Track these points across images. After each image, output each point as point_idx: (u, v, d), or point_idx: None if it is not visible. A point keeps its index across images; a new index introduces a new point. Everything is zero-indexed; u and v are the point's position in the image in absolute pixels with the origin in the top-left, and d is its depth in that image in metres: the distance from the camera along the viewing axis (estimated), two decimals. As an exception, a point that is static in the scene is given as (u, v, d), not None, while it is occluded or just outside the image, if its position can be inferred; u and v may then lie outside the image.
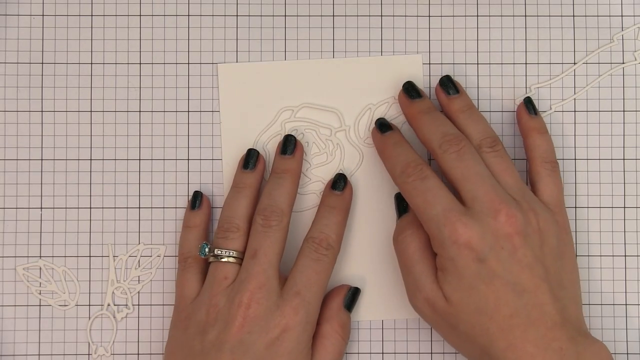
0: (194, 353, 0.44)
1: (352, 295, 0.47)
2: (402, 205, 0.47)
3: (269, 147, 0.49)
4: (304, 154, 0.49)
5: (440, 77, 0.48)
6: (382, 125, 0.47)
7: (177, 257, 0.49)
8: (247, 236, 0.46)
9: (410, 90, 0.47)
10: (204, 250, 0.46)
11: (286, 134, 0.48)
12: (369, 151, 0.49)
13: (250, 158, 0.48)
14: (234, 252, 0.46)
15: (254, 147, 0.49)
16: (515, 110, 0.48)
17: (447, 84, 0.47)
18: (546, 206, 0.45)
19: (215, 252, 0.46)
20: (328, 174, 0.49)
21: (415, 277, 0.44)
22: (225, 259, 0.45)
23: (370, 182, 0.49)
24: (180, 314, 0.46)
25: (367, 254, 0.49)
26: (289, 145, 0.48)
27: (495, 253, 0.42)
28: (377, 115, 0.49)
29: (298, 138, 0.49)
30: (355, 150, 0.49)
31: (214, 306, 0.44)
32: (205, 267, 0.47)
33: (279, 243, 0.45)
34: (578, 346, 0.41)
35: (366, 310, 0.49)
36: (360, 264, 0.49)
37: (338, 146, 0.49)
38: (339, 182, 0.48)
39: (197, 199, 0.48)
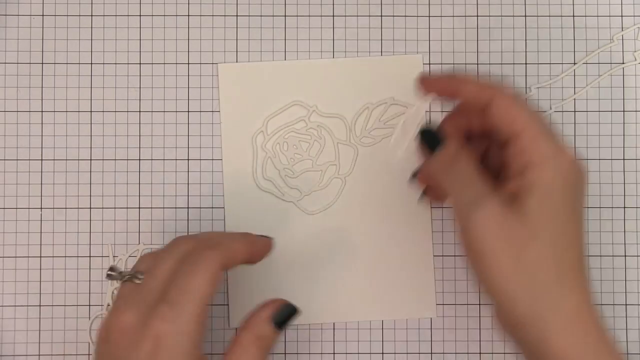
0: None
1: (287, 312, 0.42)
2: (432, 136, 0.43)
3: (267, 146, 0.49)
4: None
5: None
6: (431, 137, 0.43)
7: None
8: None
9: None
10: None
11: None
12: (365, 150, 0.49)
13: None
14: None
15: (256, 139, 0.49)
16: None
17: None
18: None
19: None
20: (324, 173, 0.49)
21: (478, 186, 0.40)
22: None
23: (366, 180, 0.49)
24: None
25: (366, 253, 0.49)
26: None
27: (579, 196, 0.40)
28: (375, 115, 0.49)
29: (293, 142, 0.49)
30: (351, 149, 0.49)
31: None
32: None
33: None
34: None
35: (366, 310, 0.49)
36: (359, 264, 0.49)
37: (331, 143, 0.49)
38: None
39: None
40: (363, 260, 0.49)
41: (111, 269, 0.42)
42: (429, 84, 0.43)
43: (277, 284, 0.47)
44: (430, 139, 0.43)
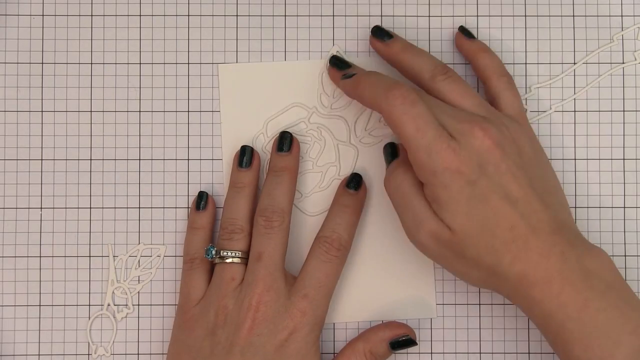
0: (203, 355, 0.44)
1: (404, 341, 0.46)
2: (392, 151, 0.46)
3: (268, 148, 0.49)
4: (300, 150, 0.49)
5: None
6: (342, 64, 0.48)
7: (177, 258, 0.49)
8: (250, 236, 0.46)
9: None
10: (211, 253, 0.46)
11: (282, 130, 0.48)
12: (365, 150, 0.49)
13: (245, 155, 0.48)
14: (240, 252, 0.46)
15: (257, 142, 0.49)
16: (454, 40, 0.49)
17: (380, 31, 0.47)
18: (512, 118, 0.45)
19: (221, 254, 0.46)
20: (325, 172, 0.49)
21: (415, 211, 0.43)
22: (230, 260, 0.46)
23: (366, 181, 0.49)
24: (185, 315, 0.46)
25: (366, 253, 0.49)
26: (285, 141, 0.48)
27: (484, 170, 0.42)
28: (376, 115, 0.49)
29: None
30: (351, 149, 0.49)
31: (222, 308, 0.45)
32: (211, 268, 0.47)
33: (282, 244, 0.46)
34: (577, 249, 0.41)
35: (367, 311, 0.49)
36: (359, 264, 0.49)
37: (330, 143, 0.49)
38: (353, 181, 0.48)
39: (202, 200, 0.48)
40: (363, 260, 0.49)
41: None
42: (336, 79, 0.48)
43: (277, 284, 0.47)
44: (390, 149, 0.47)
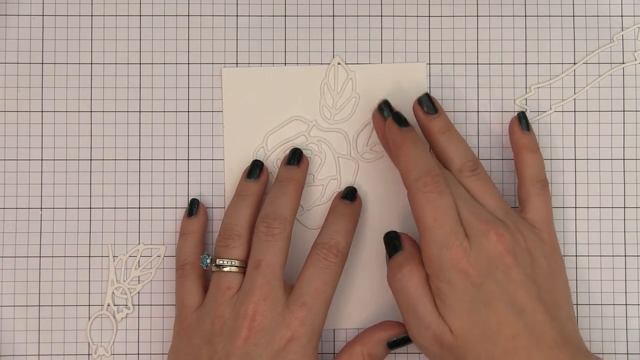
0: None
1: (402, 340, 0.46)
2: (393, 243, 0.45)
3: (268, 162, 0.49)
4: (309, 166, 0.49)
5: (421, 93, 0.47)
6: (401, 120, 0.45)
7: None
8: (248, 244, 0.46)
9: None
10: (205, 262, 0.46)
11: (293, 147, 0.49)
12: (366, 164, 0.49)
13: (255, 168, 0.48)
14: (236, 261, 0.45)
15: (257, 155, 0.49)
16: (509, 124, 0.48)
17: (427, 102, 0.46)
18: (531, 225, 0.45)
19: (217, 262, 0.45)
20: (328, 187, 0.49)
21: (419, 314, 0.43)
22: (227, 269, 0.45)
23: (367, 194, 0.49)
24: (183, 322, 0.46)
25: (367, 265, 0.49)
26: (295, 157, 0.48)
27: (492, 275, 0.42)
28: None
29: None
30: (352, 162, 0.49)
31: (219, 317, 0.44)
32: (204, 272, 0.47)
33: (282, 252, 0.45)
34: None
35: (367, 315, 0.49)
36: (360, 276, 0.49)
37: (334, 159, 0.49)
38: (349, 194, 0.48)
39: (194, 207, 0.48)
40: (364, 272, 0.49)
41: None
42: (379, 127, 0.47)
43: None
44: (391, 241, 0.46)
